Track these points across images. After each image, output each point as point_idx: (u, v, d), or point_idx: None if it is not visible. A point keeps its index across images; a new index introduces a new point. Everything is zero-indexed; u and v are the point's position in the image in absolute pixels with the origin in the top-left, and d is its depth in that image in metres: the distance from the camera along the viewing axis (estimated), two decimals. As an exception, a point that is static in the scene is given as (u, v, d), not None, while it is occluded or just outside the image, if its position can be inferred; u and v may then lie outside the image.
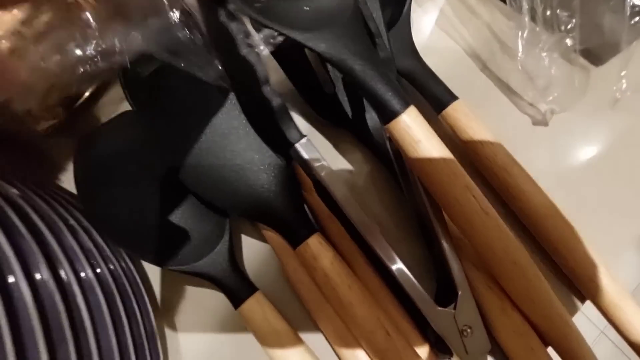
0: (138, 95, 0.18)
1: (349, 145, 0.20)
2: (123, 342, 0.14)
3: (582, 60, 0.22)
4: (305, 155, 0.16)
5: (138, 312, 0.16)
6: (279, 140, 0.16)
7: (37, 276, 0.12)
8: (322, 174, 0.16)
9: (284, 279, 0.18)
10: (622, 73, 0.20)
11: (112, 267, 0.16)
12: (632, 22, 0.18)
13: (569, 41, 0.21)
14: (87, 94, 0.21)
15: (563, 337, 0.15)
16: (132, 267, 0.18)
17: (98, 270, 0.15)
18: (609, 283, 0.16)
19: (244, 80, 0.17)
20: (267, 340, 0.16)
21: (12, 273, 0.11)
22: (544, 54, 0.21)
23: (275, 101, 0.16)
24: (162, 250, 0.17)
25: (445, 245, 0.16)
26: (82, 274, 0.14)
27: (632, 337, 0.16)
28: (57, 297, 0.11)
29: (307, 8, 0.15)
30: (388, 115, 0.14)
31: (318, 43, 0.14)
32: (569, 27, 0.21)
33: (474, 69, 0.23)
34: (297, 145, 0.16)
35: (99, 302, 0.14)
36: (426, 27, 0.23)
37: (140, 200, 0.18)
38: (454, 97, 0.19)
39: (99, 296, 0.14)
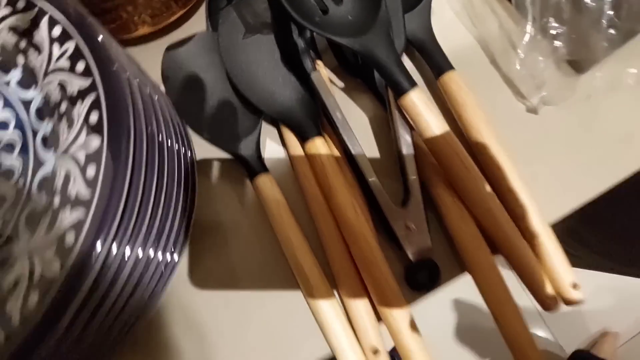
0: (215, 21, 0.25)
1: (361, 91, 0.26)
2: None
3: (570, 69, 0.26)
4: (316, 81, 0.22)
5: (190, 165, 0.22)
6: (301, 70, 0.23)
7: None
8: (325, 98, 0.22)
9: (291, 171, 0.24)
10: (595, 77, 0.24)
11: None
12: (607, 39, 0.22)
13: (561, 51, 0.25)
14: (179, 13, 0.28)
15: (509, 243, 0.20)
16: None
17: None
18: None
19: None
20: (270, 206, 0.22)
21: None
22: (541, 58, 0.26)
23: (302, 47, 0.22)
24: (218, 132, 0.24)
25: (409, 169, 0.21)
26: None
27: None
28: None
29: (351, 17, 0.21)
30: (400, 92, 0.20)
31: (354, 44, 0.20)
32: (561, 38, 0.25)
33: (484, 60, 0.28)
34: (313, 75, 0.22)
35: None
36: (447, 16, 0.28)
37: (206, 97, 0.25)
38: (451, 68, 0.24)
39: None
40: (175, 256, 0.21)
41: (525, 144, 0.25)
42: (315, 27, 0.20)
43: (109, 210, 0.14)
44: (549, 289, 0.20)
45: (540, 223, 0.21)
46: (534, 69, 0.26)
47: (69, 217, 0.15)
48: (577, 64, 0.26)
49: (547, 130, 0.26)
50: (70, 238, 0.14)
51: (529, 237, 0.21)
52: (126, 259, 0.15)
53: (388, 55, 0.20)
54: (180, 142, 0.21)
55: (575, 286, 0.20)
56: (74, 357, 0.16)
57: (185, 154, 0.22)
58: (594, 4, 0.23)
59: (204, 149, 0.25)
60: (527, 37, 0.25)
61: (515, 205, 0.21)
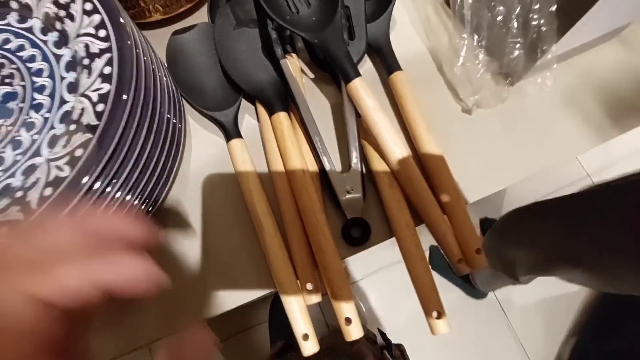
0: (214, 16, 0.31)
1: (327, 83, 0.31)
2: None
3: (502, 80, 0.32)
4: (284, 67, 0.27)
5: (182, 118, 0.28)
6: (275, 58, 0.28)
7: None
8: (290, 81, 0.27)
9: (259, 137, 0.29)
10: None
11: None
12: (527, 57, 0.28)
13: (494, 65, 0.31)
14: (186, 6, 0.33)
15: (428, 213, 0.25)
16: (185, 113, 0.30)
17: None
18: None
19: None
20: (238, 164, 0.27)
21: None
22: (480, 67, 0.31)
23: (275, 39, 0.28)
24: (206, 102, 0.29)
25: (351, 143, 0.27)
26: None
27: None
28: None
29: (314, 18, 0.26)
30: (347, 79, 0.25)
31: (313, 38, 0.26)
32: (495, 54, 0.30)
33: (432, 67, 0.33)
34: (281, 62, 0.28)
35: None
36: (407, 29, 0.34)
37: (200, 75, 0.30)
38: (399, 69, 0.29)
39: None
40: (150, 207, 0.26)
41: (457, 137, 0.30)
42: (285, 23, 0.25)
43: (109, 132, 0.20)
44: (459, 254, 0.25)
45: (457, 200, 0.26)
46: (471, 77, 0.31)
47: (80, 138, 0.20)
48: (508, 76, 0.31)
49: (476, 128, 0.31)
50: (79, 152, 0.20)
51: (448, 211, 0.26)
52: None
53: (339, 49, 0.25)
54: (172, 113, 0.27)
55: (478, 251, 0.24)
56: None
57: (175, 124, 0.27)
58: (515, 28, 0.28)
59: (196, 117, 0.30)
60: (464, 50, 0.31)
61: (439, 183, 0.26)
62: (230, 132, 0.28)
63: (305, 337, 0.23)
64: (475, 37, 0.31)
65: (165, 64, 0.30)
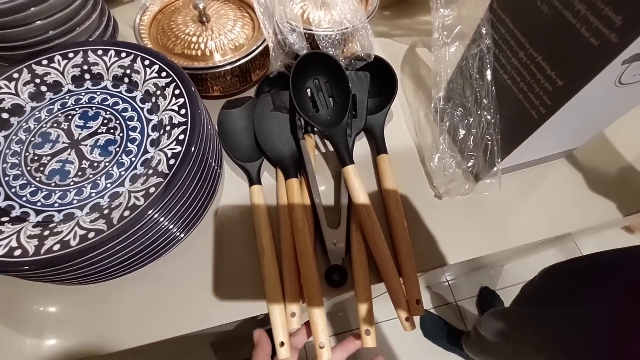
0: (258, 97, 0.42)
1: (333, 157, 0.41)
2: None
3: (471, 176, 0.40)
4: (302, 146, 0.37)
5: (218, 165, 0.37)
6: (296, 137, 0.38)
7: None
8: (305, 156, 0.37)
9: (274, 190, 0.38)
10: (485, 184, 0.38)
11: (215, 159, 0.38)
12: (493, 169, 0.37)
13: (465, 164, 0.40)
14: (240, 89, 0.45)
15: (387, 273, 0.32)
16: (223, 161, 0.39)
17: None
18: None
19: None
20: (255, 204, 0.36)
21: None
22: (453, 164, 0.40)
23: (300, 125, 0.38)
24: (239, 155, 0.39)
25: (342, 209, 0.35)
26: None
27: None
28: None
29: (329, 118, 0.37)
30: (343, 164, 0.35)
31: (325, 131, 0.36)
32: (466, 155, 0.39)
33: (416, 158, 0.42)
34: (301, 142, 0.37)
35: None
36: (402, 127, 0.44)
37: (238, 135, 0.41)
38: (385, 152, 0.39)
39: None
40: (182, 235, 0.34)
41: (427, 216, 0.38)
42: (307, 118, 0.36)
43: (175, 179, 0.29)
44: (407, 313, 0.32)
45: (410, 261, 0.33)
46: (445, 170, 0.40)
47: (155, 180, 0.29)
48: (477, 175, 0.40)
49: (444, 210, 0.39)
50: (152, 190, 0.29)
51: (402, 268, 0.33)
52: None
53: (341, 142, 0.35)
54: (214, 160, 0.36)
55: (417, 302, 0.31)
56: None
57: (215, 169, 0.37)
58: (472, 144, 0.37)
59: (231, 164, 0.40)
60: (440, 150, 0.40)
61: (399, 247, 0.34)
62: (253, 179, 0.38)
63: (282, 344, 0.29)
64: (450, 142, 0.40)
65: (216, 125, 0.41)
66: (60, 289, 0.33)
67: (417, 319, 0.37)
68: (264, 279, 0.33)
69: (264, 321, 0.34)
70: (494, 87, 0.33)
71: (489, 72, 0.32)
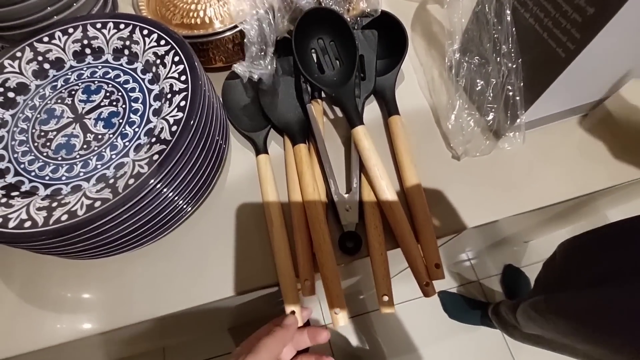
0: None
1: (342, 122, 0.39)
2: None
3: (491, 134, 0.38)
4: (309, 110, 0.36)
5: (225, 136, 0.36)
6: (302, 103, 0.37)
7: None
8: (312, 121, 0.35)
9: (283, 160, 0.37)
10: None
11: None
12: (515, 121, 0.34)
13: (483, 121, 0.37)
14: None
15: (403, 238, 0.31)
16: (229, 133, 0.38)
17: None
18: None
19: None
20: (261, 174, 0.35)
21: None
22: (472, 123, 0.38)
23: (305, 89, 0.37)
24: (245, 125, 0.38)
25: (353, 172, 0.34)
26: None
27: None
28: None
29: (335, 79, 0.35)
30: (352, 125, 0.33)
31: (331, 92, 0.34)
32: (486, 112, 0.37)
33: (431, 120, 0.40)
34: (308, 105, 0.36)
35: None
36: (415, 87, 0.42)
37: (242, 105, 0.39)
38: (397, 113, 0.36)
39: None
40: (189, 208, 0.34)
41: (445, 178, 0.36)
42: (313, 80, 0.34)
43: (178, 146, 0.28)
44: (426, 278, 0.30)
45: (427, 225, 0.31)
46: (463, 130, 0.38)
47: (158, 147, 0.29)
48: (494, 132, 0.37)
49: (462, 172, 0.37)
50: (155, 157, 0.28)
51: (419, 232, 0.31)
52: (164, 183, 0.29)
53: (349, 103, 0.33)
54: (220, 135, 0.35)
55: (437, 266, 0.30)
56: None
57: (221, 144, 0.36)
58: (491, 96, 0.34)
59: (237, 136, 0.39)
60: (456, 108, 0.37)
61: (415, 209, 0.32)
62: (260, 148, 0.37)
63: (293, 312, 0.29)
64: (467, 99, 0.38)
65: (220, 97, 0.40)
66: (76, 266, 0.33)
67: (438, 288, 0.35)
68: (273, 249, 0.32)
69: (278, 296, 0.33)
70: (514, 29, 0.30)
71: (508, 13, 0.29)
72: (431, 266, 0.30)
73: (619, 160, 0.37)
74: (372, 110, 0.40)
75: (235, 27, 0.37)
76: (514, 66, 0.30)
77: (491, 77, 0.32)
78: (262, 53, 0.35)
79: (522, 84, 0.31)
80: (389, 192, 0.31)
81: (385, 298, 0.29)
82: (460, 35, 0.36)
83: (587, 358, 0.46)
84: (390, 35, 0.40)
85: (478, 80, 0.36)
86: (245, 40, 0.35)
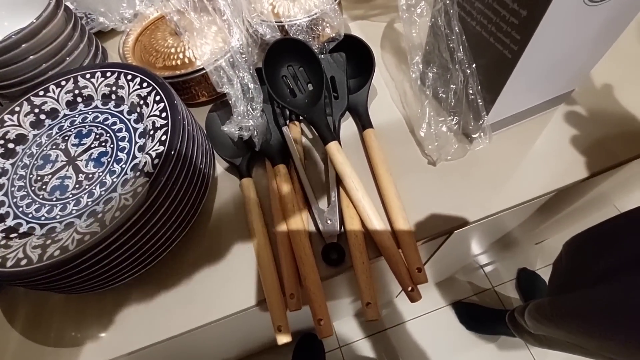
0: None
1: (319, 141, 0.41)
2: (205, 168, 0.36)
3: (465, 139, 0.39)
4: (285, 132, 0.38)
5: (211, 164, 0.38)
6: (279, 126, 0.39)
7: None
8: (289, 142, 0.37)
9: (265, 181, 0.38)
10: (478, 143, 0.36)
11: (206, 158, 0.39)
12: (480, 122, 0.35)
13: (457, 127, 0.38)
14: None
15: (385, 248, 0.32)
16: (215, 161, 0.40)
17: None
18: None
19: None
20: (246, 195, 0.37)
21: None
22: (444, 128, 0.39)
23: (280, 113, 0.39)
24: (228, 152, 0.40)
25: (331, 186, 0.35)
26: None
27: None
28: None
29: (307, 101, 0.37)
30: (325, 142, 0.35)
31: (303, 113, 0.36)
32: (458, 118, 0.38)
33: (405, 129, 0.42)
34: (284, 128, 0.38)
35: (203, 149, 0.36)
36: (387, 101, 0.44)
37: (225, 134, 0.42)
38: (371, 127, 0.38)
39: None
40: (176, 234, 0.35)
41: (423, 184, 0.37)
42: (285, 104, 0.36)
43: (160, 177, 0.30)
44: (410, 284, 0.30)
45: (408, 232, 0.32)
46: (435, 136, 0.39)
47: (141, 180, 0.31)
48: (466, 134, 0.39)
49: (441, 177, 0.38)
50: (139, 189, 0.30)
51: (399, 238, 0.32)
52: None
53: (321, 122, 0.35)
54: (204, 164, 0.37)
55: (419, 270, 0.30)
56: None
57: (205, 172, 0.38)
58: (453, 101, 0.36)
59: (222, 163, 0.41)
60: (427, 116, 0.39)
61: (393, 216, 0.33)
62: (243, 172, 0.38)
63: (279, 328, 0.29)
64: (437, 107, 0.39)
65: (204, 128, 0.42)
66: (76, 300, 0.35)
67: (427, 292, 0.35)
68: (259, 267, 0.33)
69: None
70: (464, 37, 0.32)
71: (455, 23, 0.31)
72: (413, 270, 0.30)
73: (591, 149, 0.37)
74: (348, 126, 0.42)
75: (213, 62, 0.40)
76: (470, 71, 0.32)
77: (451, 83, 0.34)
78: (249, 105, 0.37)
79: (479, 87, 0.32)
80: (365, 201, 0.33)
81: (369, 304, 0.30)
82: (422, 49, 0.38)
83: (601, 357, 0.45)
84: (359, 56, 0.43)
85: (443, 88, 0.38)
86: (228, 100, 0.37)
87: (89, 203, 0.32)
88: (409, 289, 0.30)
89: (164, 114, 0.34)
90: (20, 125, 0.37)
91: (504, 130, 0.39)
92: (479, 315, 0.98)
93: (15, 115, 0.38)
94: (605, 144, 0.37)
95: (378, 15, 0.51)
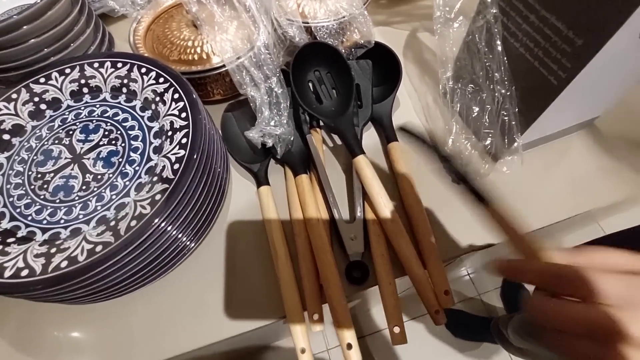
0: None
1: (343, 150, 0.39)
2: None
3: (489, 157, 0.38)
4: (309, 140, 0.36)
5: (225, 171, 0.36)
6: (302, 133, 0.37)
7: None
8: (313, 151, 0.35)
9: (285, 192, 0.37)
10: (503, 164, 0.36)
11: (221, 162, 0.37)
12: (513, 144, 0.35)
13: (481, 145, 0.38)
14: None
15: (410, 267, 0.30)
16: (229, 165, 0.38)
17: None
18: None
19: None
20: (263, 206, 0.35)
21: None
22: (468, 146, 0.38)
23: (304, 120, 0.37)
24: (245, 157, 0.38)
25: (357, 201, 0.33)
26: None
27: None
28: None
29: (333, 109, 0.36)
30: (353, 155, 0.33)
31: (330, 123, 0.35)
32: (483, 137, 0.37)
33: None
34: (308, 136, 0.36)
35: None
36: (411, 113, 0.42)
37: (242, 137, 0.40)
38: (396, 140, 0.37)
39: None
40: (193, 244, 0.33)
41: (445, 202, 0.36)
42: (312, 111, 0.34)
43: (181, 184, 0.28)
44: (436, 306, 0.30)
45: (433, 250, 0.31)
46: (460, 153, 0.38)
47: (160, 187, 0.28)
48: (491, 155, 0.38)
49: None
50: (158, 197, 0.28)
51: (425, 258, 0.31)
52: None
53: (348, 132, 0.33)
54: (221, 167, 0.35)
55: (446, 292, 0.29)
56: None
57: (222, 175, 0.35)
58: (487, 122, 0.35)
59: (237, 168, 0.39)
60: (454, 132, 0.38)
61: (419, 235, 0.32)
62: (261, 180, 0.36)
63: (303, 350, 0.28)
64: (463, 124, 0.38)
65: (220, 129, 0.40)
66: (73, 310, 0.32)
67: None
68: (279, 282, 0.31)
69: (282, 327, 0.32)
70: (505, 58, 0.31)
71: (498, 43, 0.30)
72: (440, 293, 0.30)
73: (614, 175, 0.38)
74: (370, 136, 0.41)
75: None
76: (508, 93, 0.31)
77: (486, 104, 0.33)
78: (276, 110, 0.35)
79: (516, 110, 0.32)
80: (393, 221, 0.31)
81: (397, 329, 0.29)
82: (452, 63, 0.37)
83: None
84: (384, 64, 0.42)
85: (474, 107, 0.37)
86: (252, 106, 0.35)
87: (98, 207, 0.29)
88: (435, 311, 0.30)
89: (183, 114, 0.32)
90: (17, 115, 0.34)
91: (527, 152, 0.39)
92: (466, 322, 1.00)
93: (12, 103, 0.34)
94: (629, 170, 0.38)
95: (401, 23, 0.50)
